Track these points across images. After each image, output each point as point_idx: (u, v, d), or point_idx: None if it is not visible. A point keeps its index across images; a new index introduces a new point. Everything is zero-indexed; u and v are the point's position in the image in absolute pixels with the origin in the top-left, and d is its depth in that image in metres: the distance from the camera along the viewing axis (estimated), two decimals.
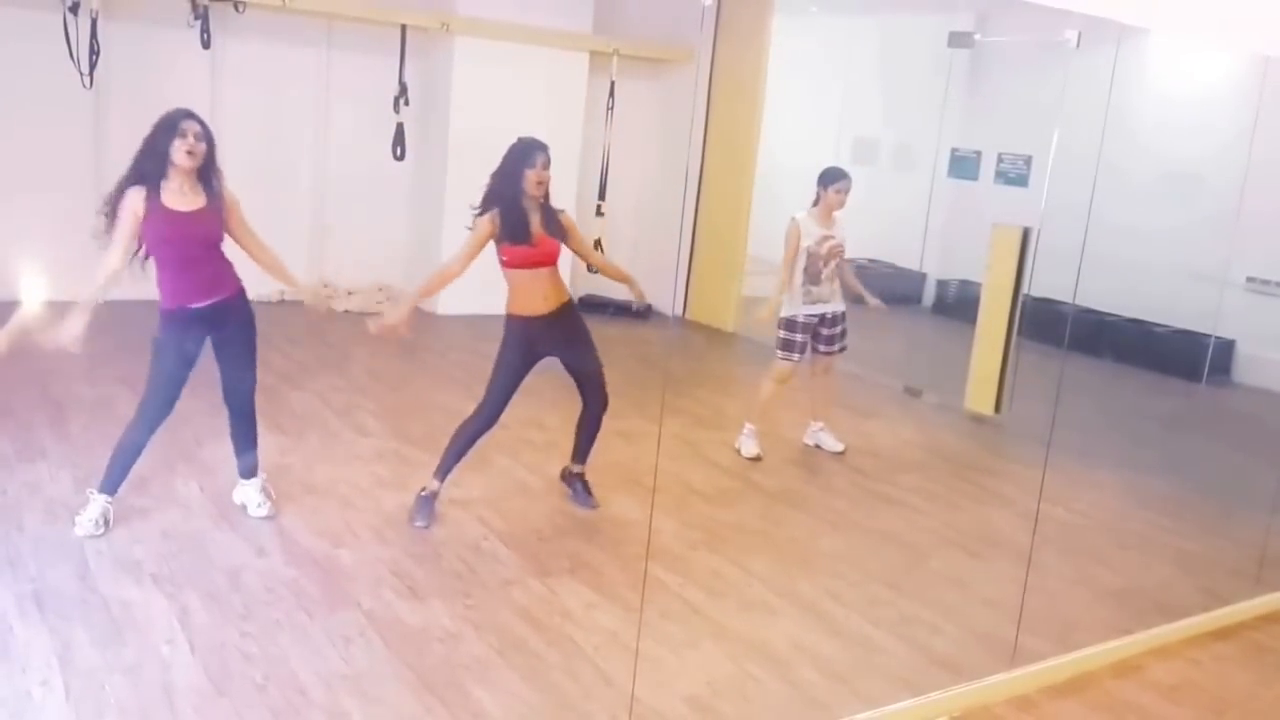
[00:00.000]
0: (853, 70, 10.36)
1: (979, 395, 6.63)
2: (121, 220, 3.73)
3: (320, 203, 8.22)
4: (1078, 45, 5.27)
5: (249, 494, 4.20)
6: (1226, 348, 8.47)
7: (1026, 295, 6.41)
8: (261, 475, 4.25)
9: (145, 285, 6.92)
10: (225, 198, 3.89)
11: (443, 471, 4.30)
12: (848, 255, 5.48)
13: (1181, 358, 8.39)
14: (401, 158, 7.90)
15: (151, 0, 7.13)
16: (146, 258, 3.82)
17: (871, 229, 9.85)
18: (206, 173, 3.83)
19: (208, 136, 3.79)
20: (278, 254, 4.04)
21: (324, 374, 6.27)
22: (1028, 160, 7.98)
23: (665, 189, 8.92)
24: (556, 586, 3.82)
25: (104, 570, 3.59)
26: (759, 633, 3.64)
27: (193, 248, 3.82)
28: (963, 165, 8.36)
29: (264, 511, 4.15)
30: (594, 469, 4.75)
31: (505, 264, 4.23)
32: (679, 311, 9.09)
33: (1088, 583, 4.39)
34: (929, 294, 10.32)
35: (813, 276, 5.33)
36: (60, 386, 5.50)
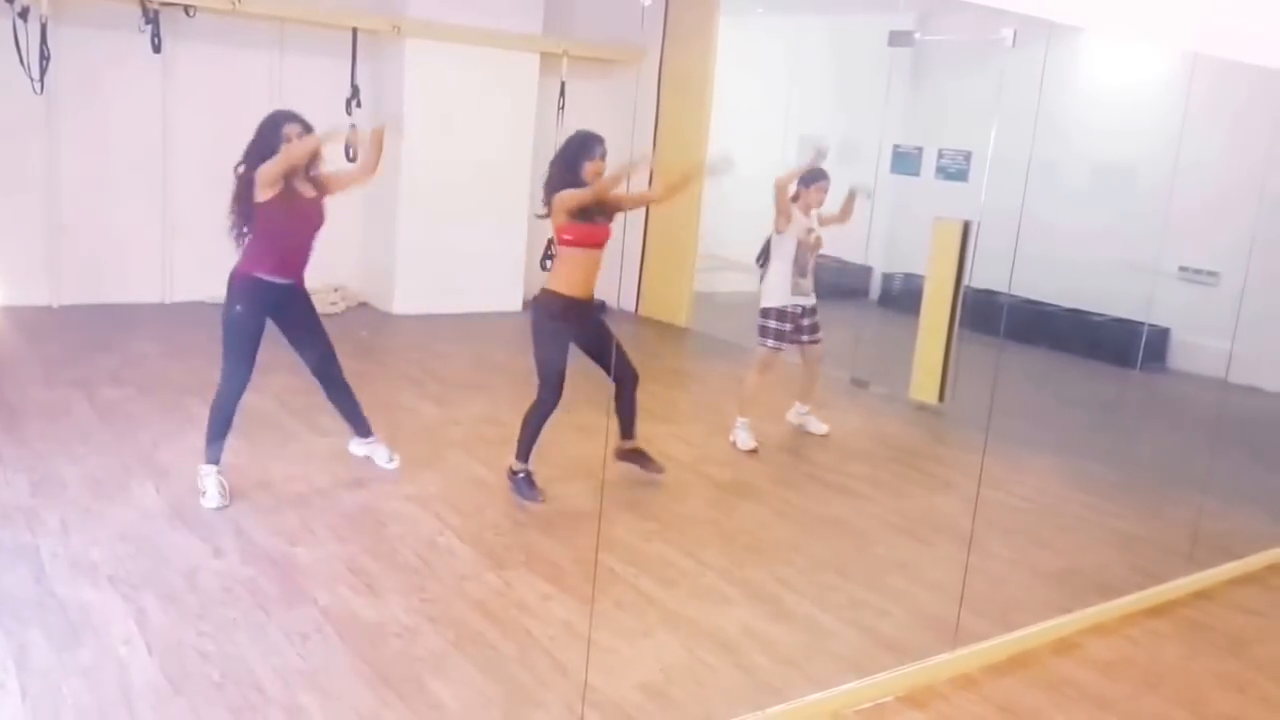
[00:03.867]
0: (798, 69, 10.51)
1: (923, 385, 6.78)
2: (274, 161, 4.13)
3: None
4: (1013, 43, 5.42)
5: (375, 449, 4.72)
6: (1161, 335, 8.70)
7: (968, 287, 6.56)
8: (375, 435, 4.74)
9: (99, 288, 6.87)
10: (322, 184, 4.39)
11: (524, 451, 4.58)
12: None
13: (1117, 345, 8.62)
14: (354, 159, 7.88)
15: (101, 5, 7.05)
16: (246, 234, 4.24)
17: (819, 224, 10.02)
18: (312, 166, 4.32)
19: (309, 134, 4.24)
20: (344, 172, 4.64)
21: (280, 375, 6.24)
22: (967, 156, 8.15)
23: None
24: (512, 579, 3.88)
25: (60, 573, 3.60)
26: (711, 620, 3.72)
27: (303, 230, 4.29)
28: (905, 161, 8.50)
29: (394, 465, 4.66)
30: (548, 462, 4.81)
31: (568, 242, 4.45)
32: (632, 307, 9.18)
33: (1028, 564, 4.52)
34: (875, 287, 10.50)
35: (800, 268, 5.53)
36: (14, 390, 5.46)
